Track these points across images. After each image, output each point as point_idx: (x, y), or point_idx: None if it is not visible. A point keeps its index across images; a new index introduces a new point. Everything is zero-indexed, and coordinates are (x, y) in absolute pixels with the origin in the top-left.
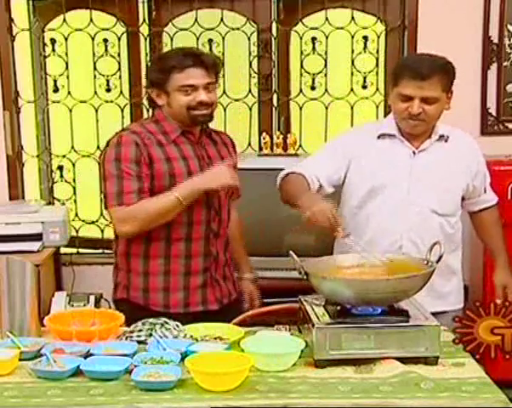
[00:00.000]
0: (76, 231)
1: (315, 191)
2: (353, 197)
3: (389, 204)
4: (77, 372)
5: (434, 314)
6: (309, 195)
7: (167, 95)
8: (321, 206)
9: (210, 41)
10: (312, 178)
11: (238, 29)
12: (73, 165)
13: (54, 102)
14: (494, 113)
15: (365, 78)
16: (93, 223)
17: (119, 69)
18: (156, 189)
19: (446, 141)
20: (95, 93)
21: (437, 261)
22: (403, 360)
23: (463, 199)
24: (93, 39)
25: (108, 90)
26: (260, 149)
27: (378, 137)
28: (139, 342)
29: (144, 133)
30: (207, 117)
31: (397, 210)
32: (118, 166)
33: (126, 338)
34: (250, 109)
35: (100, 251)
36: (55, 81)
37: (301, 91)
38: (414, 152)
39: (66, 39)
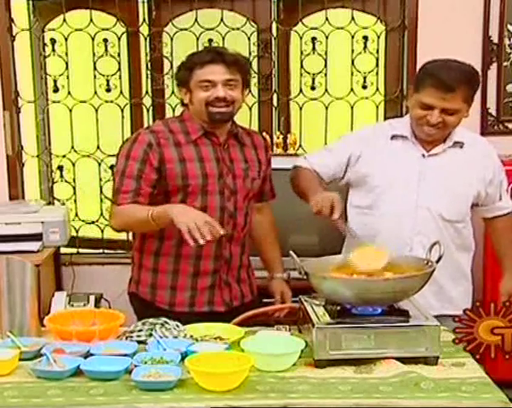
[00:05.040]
0: (76, 231)
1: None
2: (364, 197)
3: (398, 206)
4: (77, 372)
5: (441, 316)
6: (316, 191)
7: (191, 93)
8: (323, 195)
9: (210, 41)
10: (315, 172)
11: (238, 29)
12: (73, 165)
13: (54, 102)
14: (494, 113)
15: (365, 78)
16: (93, 223)
17: (119, 69)
18: (169, 188)
19: (461, 147)
20: (95, 93)
21: (437, 261)
22: (403, 360)
23: (476, 205)
24: (93, 39)
25: (108, 90)
26: None
27: (392, 138)
28: (139, 342)
29: (163, 133)
30: (225, 115)
31: (406, 213)
32: (126, 163)
33: (126, 338)
34: (250, 109)
35: (100, 251)
36: (55, 81)
37: (301, 91)
38: (424, 155)
39: (66, 39)
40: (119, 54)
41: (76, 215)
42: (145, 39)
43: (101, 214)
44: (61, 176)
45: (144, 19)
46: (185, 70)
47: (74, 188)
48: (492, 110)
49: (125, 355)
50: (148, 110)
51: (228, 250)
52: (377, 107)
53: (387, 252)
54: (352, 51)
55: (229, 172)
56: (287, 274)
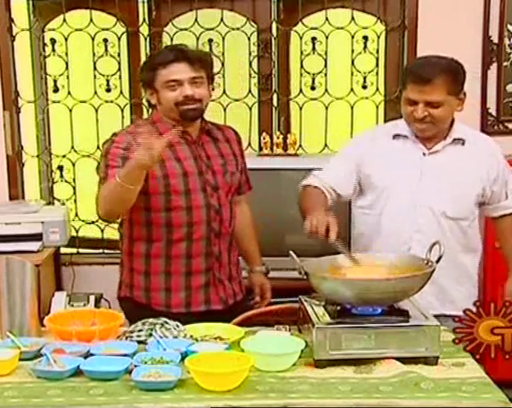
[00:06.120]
0: (76, 231)
1: (333, 201)
2: (366, 197)
3: (399, 205)
4: (77, 372)
5: (441, 316)
6: (314, 212)
7: (157, 93)
8: (318, 216)
9: (210, 41)
10: (327, 189)
11: (238, 29)
12: (73, 165)
13: (54, 102)
14: (494, 113)
15: (365, 78)
16: (93, 223)
17: (119, 69)
18: (150, 190)
19: (462, 144)
20: (95, 93)
21: (437, 261)
22: (403, 360)
23: (483, 204)
24: (93, 39)
25: (108, 90)
26: (260, 149)
27: (393, 137)
28: (139, 342)
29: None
30: (197, 112)
31: (406, 211)
32: (107, 159)
33: (126, 338)
34: (250, 109)
35: (100, 251)
36: (55, 81)
37: (301, 91)
38: (424, 153)
39: (66, 39)
40: (119, 54)
41: (76, 215)
42: (145, 39)
43: None
44: (61, 176)
45: (144, 19)
46: (149, 70)
47: (74, 188)
48: (492, 110)
49: (125, 355)
50: (148, 110)
51: (217, 247)
52: (377, 107)
53: (382, 265)
54: (352, 51)
55: (208, 169)
56: (265, 267)
